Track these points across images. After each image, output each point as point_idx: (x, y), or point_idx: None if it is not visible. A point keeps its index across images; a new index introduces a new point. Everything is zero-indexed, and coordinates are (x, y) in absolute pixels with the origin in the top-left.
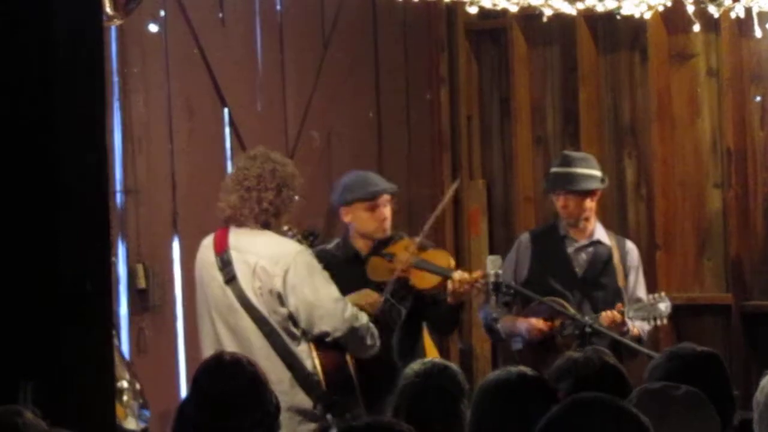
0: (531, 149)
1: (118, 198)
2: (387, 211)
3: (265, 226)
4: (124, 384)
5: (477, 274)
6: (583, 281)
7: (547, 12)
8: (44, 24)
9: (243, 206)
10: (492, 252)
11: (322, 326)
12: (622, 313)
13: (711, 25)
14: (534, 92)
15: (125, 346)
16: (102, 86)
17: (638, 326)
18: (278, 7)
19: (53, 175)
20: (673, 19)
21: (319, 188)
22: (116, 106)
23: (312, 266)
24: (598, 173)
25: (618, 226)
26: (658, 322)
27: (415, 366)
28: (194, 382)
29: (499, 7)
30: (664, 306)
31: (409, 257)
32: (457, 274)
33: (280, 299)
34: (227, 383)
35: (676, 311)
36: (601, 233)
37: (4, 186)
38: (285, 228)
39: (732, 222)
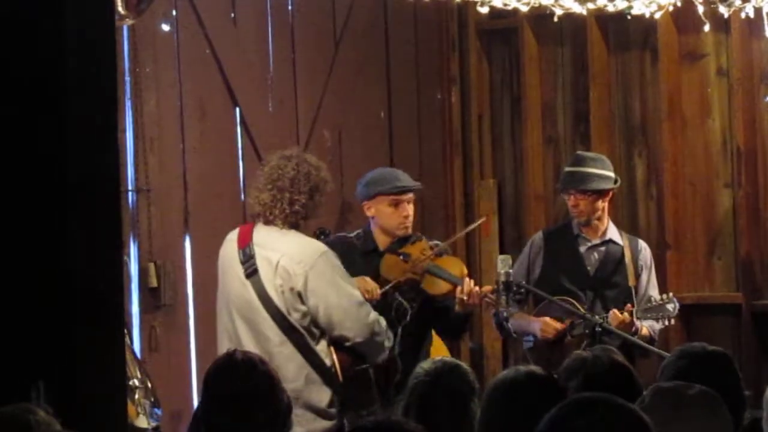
0: (542, 148)
1: (130, 197)
2: (410, 208)
3: (293, 227)
4: (136, 382)
5: (486, 288)
6: (594, 280)
7: (558, 12)
8: (56, 24)
9: (274, 205)
10: (502, 251)
11: (343, 331)
12: (631, 314)
13: (721, 25)
14: (545, 92)
15: (137, 345)
16: (114, 86)
17: (648, 326)
18: (290, 7)
19: (65, 175)
20: (683, 19)
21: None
22: (128, 105)
23: (336, 268)
24: (610, 174)
25: (628, 225)
26: (666, 323)
27: (426, 365)
28: (206, 382)
29: (510, 7)
30: (672, 306)
31: (423, 260)
32: (467, 284)
33: (301, 298)
34: (240, 382)
35: (687, 311)
36: (613, 233)
37: (16, 185)
38: None
39: (742, 221)
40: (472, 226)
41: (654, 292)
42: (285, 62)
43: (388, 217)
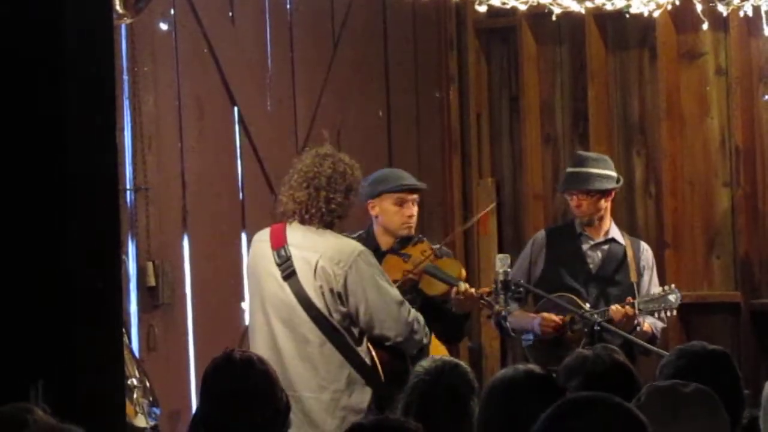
0: (540, 147)
1: (128, 196)
2: (414, 209)
3: (328, 226)
4: (134, 382)
5: (483, 290)
6: (596, 277)
7: (557, 11)
8: (55, 22)
9: (310, 204)
10: (501, 251)
11: (384, 330)
12: (632, 306)
13: (720, 23)
14: (543, 91)
15: (135, 344)
16: (112, 85)
17: (651, 323)
18: (288, 6)
19: (63, 174)
20: (682, 17)
21: None
22: (126, 104)
23: (374, 267)
24: (613, 173)
25: (627, 224)
26: (668, 314)
27: (425, 364)
28: (204, 381)
29: (508, 6)
30: (674, 297)
31: (423, 261)
32: (462, 285)
33: (341, 299)
34: (238, 381)
35: (686, 310)
36: (615, 232)
37: (14, 184)
38: None
39: (741, 220)
40: (480, 215)
41: (656, 292)
42: (283, 61)
43: (392, 216)
